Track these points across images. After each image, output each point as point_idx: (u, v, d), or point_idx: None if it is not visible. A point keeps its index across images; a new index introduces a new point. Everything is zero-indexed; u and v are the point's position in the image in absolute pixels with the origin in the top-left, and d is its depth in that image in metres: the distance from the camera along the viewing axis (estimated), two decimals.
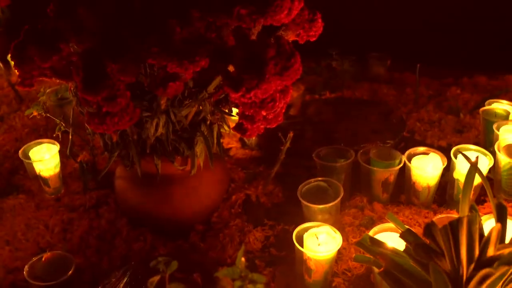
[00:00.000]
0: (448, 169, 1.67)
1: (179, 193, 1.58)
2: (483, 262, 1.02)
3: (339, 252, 1.50)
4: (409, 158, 1.67)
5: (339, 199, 1.52)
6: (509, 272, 1.09)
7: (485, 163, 1.65)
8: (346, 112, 2.12)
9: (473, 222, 1.07)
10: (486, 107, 1.98)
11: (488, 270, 0.99)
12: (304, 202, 1.51)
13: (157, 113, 1.42)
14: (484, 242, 1.05)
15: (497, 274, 1.01)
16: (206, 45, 1.30)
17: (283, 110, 1.44)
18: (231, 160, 1.92)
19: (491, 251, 1.06)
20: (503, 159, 1.64)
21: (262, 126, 1.44)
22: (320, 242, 1.41)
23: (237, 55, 1.30)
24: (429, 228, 1.13)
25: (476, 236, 1.08)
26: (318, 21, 1.43)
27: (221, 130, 1.55)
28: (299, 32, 1.44)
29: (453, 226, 1.07)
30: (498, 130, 1.79)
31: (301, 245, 1.40)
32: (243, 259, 1.10)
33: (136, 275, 1.38)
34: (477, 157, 1.29)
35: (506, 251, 1.01)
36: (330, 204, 1.50)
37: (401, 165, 1.66)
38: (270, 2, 1.24)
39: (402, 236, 1.18)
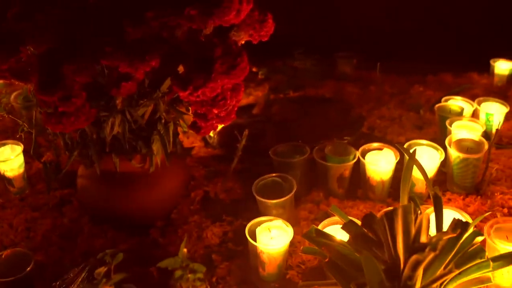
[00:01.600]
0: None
1: (139, 190, 1.62)
2: (415, 249, 1.06)
3: (294, 245, 1.54)
4: (364, 154, 1.72)
5: (291, 193, 1.56)
6: (448, 259, 1.14)
7: (436, 158, 1.70)
8: (308, 110, 2.16)
9: (408, 212, 1.12)
10: (441, 104, 2.03)
11: (416, 257, 1.03)
12: (258, 197, 1.56)
13: (113, 113, 1.46)
14: (416, 230, 1.10)
15: (426, 260, 1.05)
16: (157, 46, 1.34)
17: (236, 108, 1.48)
18: (194, 158, 1.96)
19: (423, 239, 1.11)
20: (453, 153, 1.69)
21: (217, 124, 1.48)
22: (272, 235, 1.45)
23: (186, 55, 1.34)
24: (367, 219, 1.18)
25: (412, 226, 1.12)
26: (268, 22, 1.47)
27: (184, 129, 1.58)
28: (251, 33, 1.48)
29: (389, 217, 1.12)
30: (451, 125, 1.84)
31: (255, 239, 1.43)
32: (185, 250, 1.14)
33: (94, 270, 1.41)
34: (414, 150, 1.34)
35: (434, 238, 1.05)
36: (283, 199, 1.54)
37: (354, 160, 1.70)
38: (218, 4, 1.28)
39: (344, 227, 1.22)
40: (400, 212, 1.12)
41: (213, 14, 1.29)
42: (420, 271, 1.08)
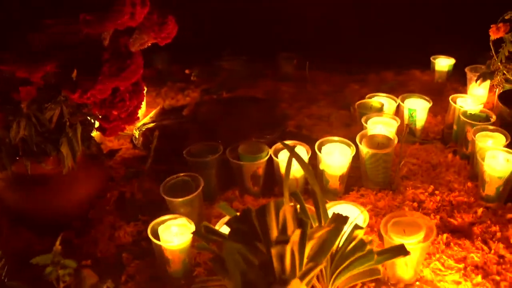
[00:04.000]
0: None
1: (53, 192, 1.64)
2: (277, 242, 1.09)
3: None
4: (276, 152, 1.75)
5: (197, 192, 1.59)
6: (330, 252, 1.17)
7: (348, 154, 1.73)
8: (234, 111, 2.19)
9: (280, 207, 1.15)
10: (363, 101, 2.06)
11: (276, 249, 1.06)
12: (165, 197, 1.58)
13: (17, 116, 1.48)
14: (282, 224, 1.13)
15: (287, 253, 1.08)
16: (53, 52, 1.37)
17: (138, 109, 1.52)
18: (118, 159, 1.99)
19: (289, 231, 1.13)
20: (363, 149, 1.73)
21: (123, 126, 1.51)
22: (175, 233, 1.48)
23: (79, 60, 1.38)
24: (245, 214, 1.20)
25: (287, 219, 1.15)
26: (169, 24, 1.50)
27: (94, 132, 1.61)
28: (152, 35, 1.51)
29: (261, 212, 1.15)
30: (366, 122, 1.87)
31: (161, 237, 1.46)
32: (58, 246, 1.17)
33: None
34: (294, 145, 1.37)
35: (297, 231, 1.08)
36: (188, 197, 1.57)
37: (266, 157, 1.73)
38: (109, 9, 1.31)
39: (227, 223, 1.25)
40: (272, 207, 1.14)
41: (106, 18, 1.32)
42: (287, 264, 1.10)
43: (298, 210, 1.26)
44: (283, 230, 1.13)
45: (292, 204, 1.26)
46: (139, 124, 2.08)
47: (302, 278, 1.13)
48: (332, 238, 1.22)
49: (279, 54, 2.72)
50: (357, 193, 1.79)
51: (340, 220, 1.24)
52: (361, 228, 1.28)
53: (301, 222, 1.11)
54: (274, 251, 1.06)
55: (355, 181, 1.84)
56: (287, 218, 1.11)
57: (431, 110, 2.24)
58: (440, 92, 2.44)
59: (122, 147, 2.06)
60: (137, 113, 1.50)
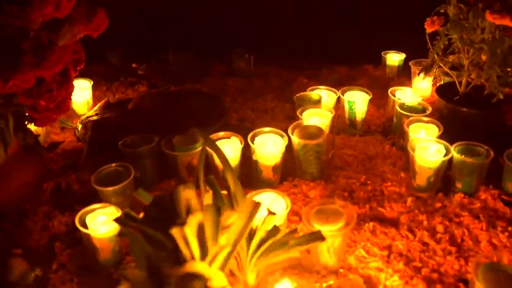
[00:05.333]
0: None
1: None
2: (177, 224, 1.11)
3: None
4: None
5: (127, 181, 1.61)
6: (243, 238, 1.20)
7: (280, 144, 1.76)
8: (177, 104, 2.21)
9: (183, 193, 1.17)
10: (300, 94, 2.10)
11: (174, 231, 1.09)
12: (96, 186, 1.60)
13: None
14: (187, 210, 1.15)
15: (190, 235, 1.11)
16: None
17: (69, 100, 1.54)
18: (59, 151, 2.01)
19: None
20: (294, 139, 1.76)
21: (55, 116, 1.53)
22: (102, 221, 1.50)
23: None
24: (157, 199, 1.23)
25: (192, 204, 1.17)
26: (97, 17, 1.53)
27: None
28: (82, 28, 1.53)
29: (169, 198, 1.18)
30: (301, 114, 1.91)
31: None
32: None
33: None
34: (208, 132, 1.39)
35: (198, 214, 1.11)
36: (118, 186, 1.59)
37: (200, 148, 1.75)
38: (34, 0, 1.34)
39: (144, 209, 1.27)
40: (180, 191, 1.17)
41: (30, 9, 1.34)
42: (193, 248, 1.13)
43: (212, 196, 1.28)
44: (187, 214, 1.15)
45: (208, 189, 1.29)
46: (83, 117, 2.10)
47: (211, 262, 1.14)
48: (246, 223, 1.24)
49: (232, 50, 2.74)
50: (290, 183, 1.82)
51: (253, 205, 1.26)
52: (273, 214, 1.30)
53: (206, 206, 1.14)
54: (174, 234, 1.08)
55: (292, 172, 1.86)
56: (192, 202, 1.14)
57: (375, 103, 2.28)
58: (388, 86, 2.47)
59: (66, 140, 2.08)
60: (68, 104, 1.51)
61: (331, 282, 1.44)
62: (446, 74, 2.07)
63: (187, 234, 1.09)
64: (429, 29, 1.97)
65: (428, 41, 1.99)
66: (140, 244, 1.11)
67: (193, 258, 1.14)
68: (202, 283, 1.10)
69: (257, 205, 1.26)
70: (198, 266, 1.10)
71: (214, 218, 1.16)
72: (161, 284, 1.09)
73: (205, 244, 1.13)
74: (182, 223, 1.06)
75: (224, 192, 1.31)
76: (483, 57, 1.88)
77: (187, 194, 1.14)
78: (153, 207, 1.22)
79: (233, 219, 1.20)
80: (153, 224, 1.22)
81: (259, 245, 1.33)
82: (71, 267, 1.54)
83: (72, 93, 1.54)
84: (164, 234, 1.14)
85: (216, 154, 1.33)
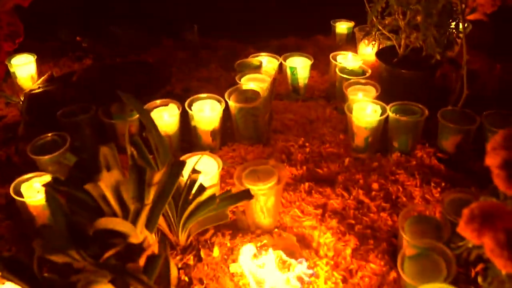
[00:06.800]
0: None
1: None
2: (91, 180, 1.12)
3: None
4: (150, 111, 1.78)
5: (63, 149, 1.61)
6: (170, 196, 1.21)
7: (217, 109, 1.78)
8: (120, 75, 2.21)
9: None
10: (241, 60, 2.11)
11: (89, 186, 1.10)
12: (31, 155, 1.61)
13: None
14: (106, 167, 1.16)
15: (108, 191, 1.12)
16: None
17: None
18: (1, 125, 2.00)
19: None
20: (231, 103, 1.77)
21: None
22: (38, 189, 1.50)
23: None
24: (79, 162, 1.23)
25: (110, 163, 1.18)
26: None
27: None
28: None
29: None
30: (240, 80, 1.92)
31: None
32: None
33: None
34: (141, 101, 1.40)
35: (115, 171, 1.12)
36: (53, 155, 1.59)
37: (137, 116, 1.76)
38: None
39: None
40: (101, 152, 1.17)
41: None
42: (113, 205, 1.14)
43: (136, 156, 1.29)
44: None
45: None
46: (26, 91, 2.09)
47: (135, 220, 1.15)
48: (171, 182, 1.25)
49: (180, 22, 2.73)
50: (229, 148, 1.83)
51: (177, 164, 1.27)
52: (198, 172, 1.32)
53: (130, 166, 1.15)
54: (89, 189, 1.08)
55: (233, 138, 1.88)
56: (111, 160, 1.14)
57: (320, 70, 2.29)
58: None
59: (9, 115, 2.07)
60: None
61: (265, 241, 1.45)
62: (388, 39, 2.09)
63: (104, 191, 1.09)
64: None
65: (366, 4, 1.99)
66: (57, 202, 1.11)
67: (115, 215, 1.15)
68: (121, 239, 1.11)
69: (181, 163, 1.28)
70: (122, 224, 1.10)
71: (136, 176, 1.16)
72: (81, 242, 1.10)
73: (125, 202, 1.14)
74: (94, 179, 1.07)
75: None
76: (419, 19, 1.89)
77: (106, 153, 1.14)
78: (77, 168, 1.22)
79: (159, 178, 1.20)
80: (77, 184, 1.22)
81: (187, 204, 1.34)
82: (9, 237, 1.54)
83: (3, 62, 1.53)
84: (87, 193, 1.15)
85: (139, 115, 1.34)
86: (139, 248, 1.13)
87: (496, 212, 0.88)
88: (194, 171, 1.31)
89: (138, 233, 1.12)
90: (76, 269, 1.04)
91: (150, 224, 1.20)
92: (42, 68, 2.43)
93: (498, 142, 0.91)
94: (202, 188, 1.34)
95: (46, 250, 1.02)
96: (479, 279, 1.11)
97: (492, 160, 0.90)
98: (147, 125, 1.32)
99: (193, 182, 1.33)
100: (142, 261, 1.14)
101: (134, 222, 1.15)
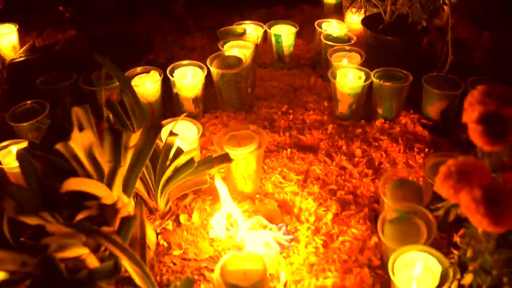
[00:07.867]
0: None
1: None
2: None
3: None
4: (131, 78, 1.76)
5: (41, 116, 1.60)
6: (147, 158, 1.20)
7: (199, 75, 1.76)
8: (104, 45, 2.19)
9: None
10: (224, 28, 2.09)
11: (59, 146, 1.08)
12: (10, 123, 1.59)
13: None
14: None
15: (80, 153, 1.10)
16: None
17: None
18: None
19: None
20: (213, 70, 1.75)
21: None
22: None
23: None
24: (54, 125, 1.21)
25: (83, 124, 1.16)
26: None
27: None
28: None
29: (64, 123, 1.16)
30: (223, 46, 1.90)
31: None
32: None
33: None
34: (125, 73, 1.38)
35: (87, 132, 1.10)
36: (31, 122, 1.57)
37: (116, 84, 1.74)
38: None
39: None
40: (73, 113, 1.15)
41: None
42: (87, 167, 1.12)
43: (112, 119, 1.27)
44: None
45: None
46: (7, 61, 2.07)
47: (109, 183, 1.14)
48: (148, 144, 1.24)
49: None
50: (212, 115, 1.81)
51: (154, 127, 1.26)
52: (175, 135, 1.30)
53: (105, 129, 1.13)
54: (59, 149, 1.06)
55: (216, 106, 1.86)
56: (84, 122, 1.12)
57: (306, 39, 2.27)
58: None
59: None
60: None
61: (246, 206, 1.44)
62: (375, 6, 2.06)
63: (76, 151, 1.07)
64: None
65: None
66: (30, 164, 1.09)
67: (90, 178, 1.13)
68: (94, 202, 1.10)
69: (158, 126, 1.26)
70: (86, 182, 1.08)
71: (112, 139, 1.15)
72: (55, 204, 1.08)
73: (100, 164, 1.12)
74: (68, 139, 1.05)
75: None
76: None
77: (78, 114, 1.12)
78: (51, 130, 1.20)
79: (135, 142, 1.18)
80: (50, 147, 1.20)
81: (165, 168, 1.33)
82: None
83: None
84: (61, 157, 1.13)
85: (115, 77, 1.33)
86: (114, 210, 1.11)
87: (473, 169, 0.87)
88: (171, 133, 1.29)
89: (114, 196, 1.11)
90: (50, 232, 1.02)
91: (127, 188, 1.19)
92: (26, 39, 2.39)
93: (475, 98, 0.89)
94: (180, 151, 1.32)
95: (17, 211, 1.00)
96: (457, 240, 1.10)
97: (469, 116, 0.88)
98: (122, 86, 1.30)
99: (170, 145, 1.31)
100: (117, 224, 1.13)
101: (110, 184, 1.13)
